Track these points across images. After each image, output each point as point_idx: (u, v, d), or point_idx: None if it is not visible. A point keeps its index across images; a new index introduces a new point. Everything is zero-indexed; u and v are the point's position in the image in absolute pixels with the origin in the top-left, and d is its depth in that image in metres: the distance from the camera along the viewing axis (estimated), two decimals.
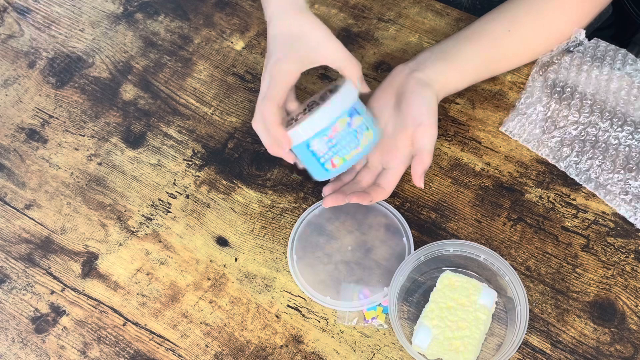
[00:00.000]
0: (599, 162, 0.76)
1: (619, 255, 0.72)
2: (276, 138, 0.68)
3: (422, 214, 0.77)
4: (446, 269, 0.71)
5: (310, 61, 0.70)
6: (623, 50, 0.80)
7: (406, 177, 0.79)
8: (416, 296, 0.73)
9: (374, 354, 0.70)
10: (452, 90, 0.78)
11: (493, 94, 0.83)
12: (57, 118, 0.87)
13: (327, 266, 0.74)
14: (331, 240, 0.76)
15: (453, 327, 0.67)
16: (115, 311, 0.75)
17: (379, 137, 0.70)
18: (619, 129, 0.77)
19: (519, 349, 0.68)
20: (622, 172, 0.75)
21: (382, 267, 0.74)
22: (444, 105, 0.83)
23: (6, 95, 0.90)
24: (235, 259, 0.76)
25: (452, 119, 0.82)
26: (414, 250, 0.72)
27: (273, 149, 0.70)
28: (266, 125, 0.69)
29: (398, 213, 0.75)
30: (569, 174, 0.76)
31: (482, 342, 0.69)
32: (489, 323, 0.69)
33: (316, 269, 0.74)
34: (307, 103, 0.73)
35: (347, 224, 0.76)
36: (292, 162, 0.71)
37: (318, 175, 0.71)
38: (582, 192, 0.76)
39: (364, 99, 0.73)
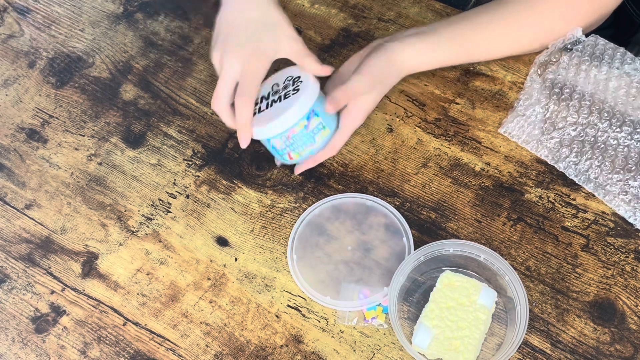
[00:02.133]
0: (598, 162, 0.76)
1: (618, 255, 0.72)
2: (242, 131, 0.74)
3: (422, 214, 0.77)
4: (446, 269, 0.71)
5: (276, 53, 0.75)
6: (622, 49, 0.80)
7: (406, 176, 0.79)
8: (416, 296, 0.73)
9: (374, 354, 0.70)
10: (422, 64, 0.80)
11: (493, 94, 0.83)
12: (57, 118, 0.87)
13: (327, 266, 0.74)
14: (331, 240, 0.76)
15: (453, 327, 0.67)
16: (116, 311, 0.75)
17: (334, 131, 0.77)
18: (618, 129, 0.77)
19: (518, 348, 0.69)
20: (621, 172, 0.75)
21: (382, 267, 0.74)
22: (444, 105, 0.83)
23: (6, 95, 0.90)
24: (235, 259, 0.76)
25: (452, 119, 0.82)
26: (414, 250, 0.72)
27: (238, 128, 0.75)
28: (237, 118, 0.73)
29: (398, 213, 0.75)
30: (568, 175, 0.76)
31: (482, 342, 0.69)
32: (488, 323, 0.69)
33: (316, 269, 0.74)
34: (272, 86, 0.77)
35: (347, 224, 0.76)
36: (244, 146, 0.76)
37: (279, 160, 0.79)
38: (582, 192, 0.76)
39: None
